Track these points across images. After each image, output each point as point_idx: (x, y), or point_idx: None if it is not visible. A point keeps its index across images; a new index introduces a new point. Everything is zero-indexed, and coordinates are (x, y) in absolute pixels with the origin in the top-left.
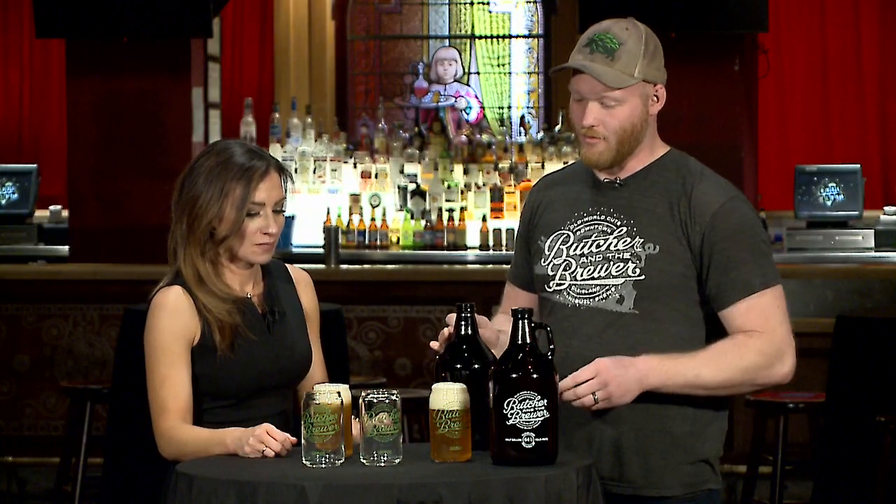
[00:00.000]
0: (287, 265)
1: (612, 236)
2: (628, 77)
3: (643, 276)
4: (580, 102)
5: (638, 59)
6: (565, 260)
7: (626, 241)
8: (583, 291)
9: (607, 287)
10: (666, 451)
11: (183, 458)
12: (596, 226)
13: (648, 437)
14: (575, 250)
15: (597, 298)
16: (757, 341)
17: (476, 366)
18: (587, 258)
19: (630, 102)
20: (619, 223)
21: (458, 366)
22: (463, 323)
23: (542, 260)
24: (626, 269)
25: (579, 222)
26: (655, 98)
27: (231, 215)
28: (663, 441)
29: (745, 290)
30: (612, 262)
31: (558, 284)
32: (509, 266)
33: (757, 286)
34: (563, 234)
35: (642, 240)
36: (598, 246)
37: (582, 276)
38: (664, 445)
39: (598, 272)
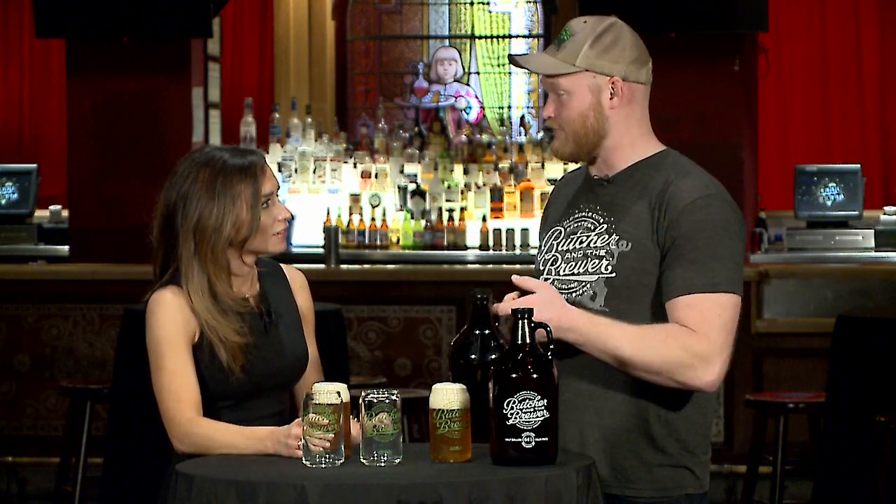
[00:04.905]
0: (282, 265)
1: (593, 233)
2: (568, 65)
3: (614, 274)
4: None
5: (582, 49)
6: (553, 255)
7: (604, 238)
8: (563, 287)
9: (583, 283)
10: (635, 451)
11: (206, 452)
12: (582, 222)
13: (617, 437)
14: (562, 246)
15: (574, 294)
16: (688, 338)
17: (493, 356)
18: (570, 254)
19: (577, 93)
20: (601, 220)
21: (473, 356)
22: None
23: (539, 254)
24: (601, 266)
25: (571, 219)
26: (612, 92)
27: (248, 216)
28: (632, 441)
29: (686, 288)
30: (589, 259)
31: (545, 279)
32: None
33: (699, 287)
34: (557, 229)
35: (617, 237)
36: (581, 242)
37: (564, 271)
38: (633, 446)
39: (577, 268)
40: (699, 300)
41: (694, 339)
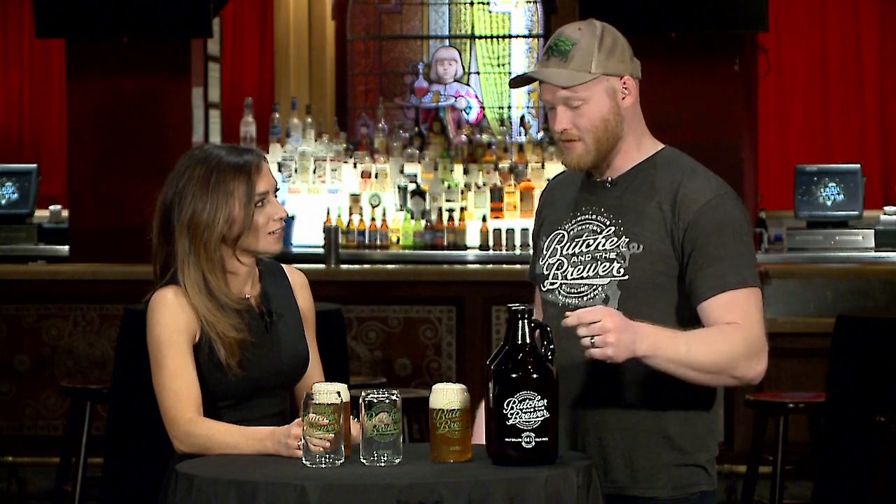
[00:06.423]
0: (283, 266)
1: (601, 236)
2: (585, 74)
3: (627, 276)
4: (552, 111)
5: (592, 55)
6: (558, 259)
7: (612, 240)
8: (572, 291)
9: (594, 287)
10: (654, 452)
11: (206, 452)
12: (587, 225)
13: (635, 438)
14: (567, 249)
15: (585, 298)
16: (742, 331)
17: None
18: (577, 258)
19: (596, 99)
20: (608, 222)
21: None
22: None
23: (541, 259)
24: (612, 268)
25: (574, 222)
26: (625, 91)
27: (241, 213)
28: (651, 442)
29: (721, 286)
30: (599, 262)
31: (551, 283)
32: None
33: (732, 283)
34: (560, 233)
35: (627, 239)
36: (588, 245)
37: (572, 275)
38: (652, 446)
39: (587, 272)
40: (735, 296)
41: (746, 332)
